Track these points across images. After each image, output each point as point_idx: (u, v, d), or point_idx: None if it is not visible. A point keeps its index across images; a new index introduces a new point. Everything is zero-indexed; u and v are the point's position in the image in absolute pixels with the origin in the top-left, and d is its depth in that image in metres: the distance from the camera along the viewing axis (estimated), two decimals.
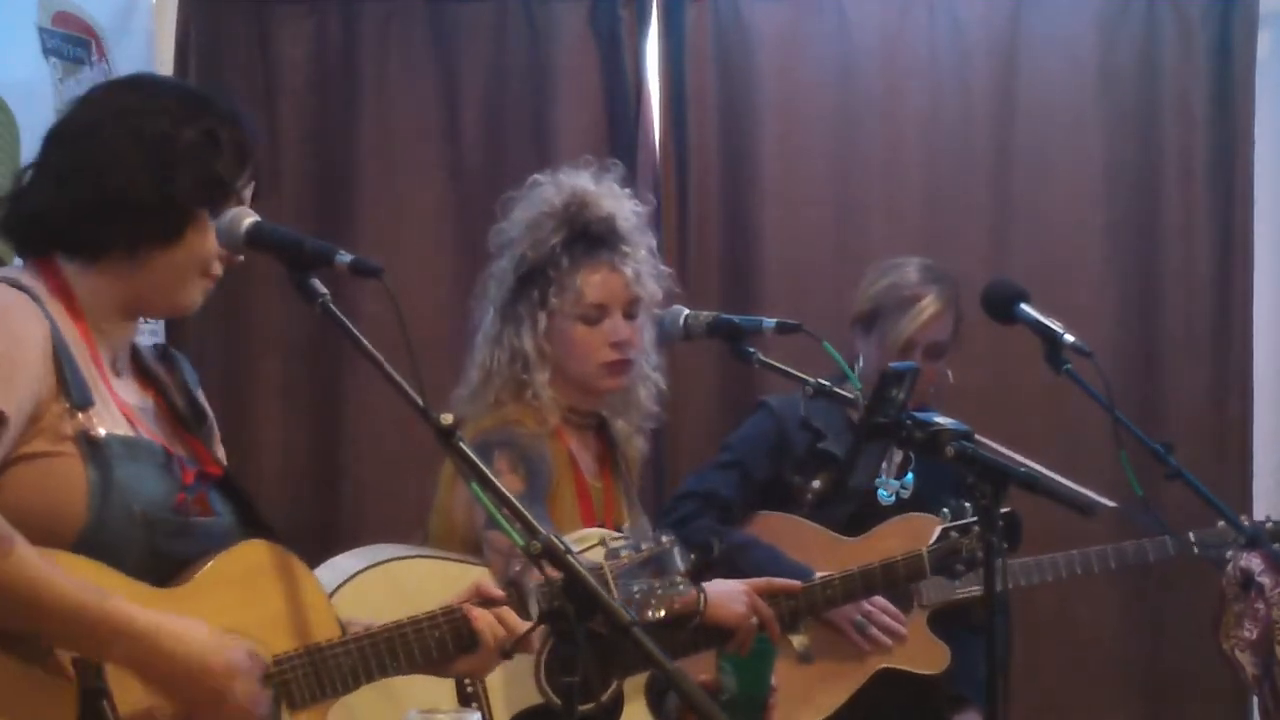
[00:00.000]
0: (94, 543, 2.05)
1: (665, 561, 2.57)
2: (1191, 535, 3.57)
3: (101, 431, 2.09)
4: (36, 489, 2.05)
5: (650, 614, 2.57)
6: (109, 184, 2.14)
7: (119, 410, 2.16)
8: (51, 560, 1.98)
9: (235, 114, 2.24)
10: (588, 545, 2.42)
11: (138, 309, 2.23)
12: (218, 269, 2.23)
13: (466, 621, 2.34)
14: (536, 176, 3.24)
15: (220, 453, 2.37)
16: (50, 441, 2.06)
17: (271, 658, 2.15)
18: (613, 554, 2.55)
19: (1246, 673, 3.53)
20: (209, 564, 2.15)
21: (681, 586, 2.56)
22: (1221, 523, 3.44)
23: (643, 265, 3.20)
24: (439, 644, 2.33)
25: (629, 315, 3.17)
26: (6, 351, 2.03)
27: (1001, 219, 4.60)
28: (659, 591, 2.56)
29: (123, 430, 2.14)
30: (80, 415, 2.08)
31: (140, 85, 2.28)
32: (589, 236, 3.15)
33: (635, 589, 2.54)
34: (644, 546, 2.57)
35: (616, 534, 2.63)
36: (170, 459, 2.17)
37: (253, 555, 2.21)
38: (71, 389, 2.08)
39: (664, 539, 2.59)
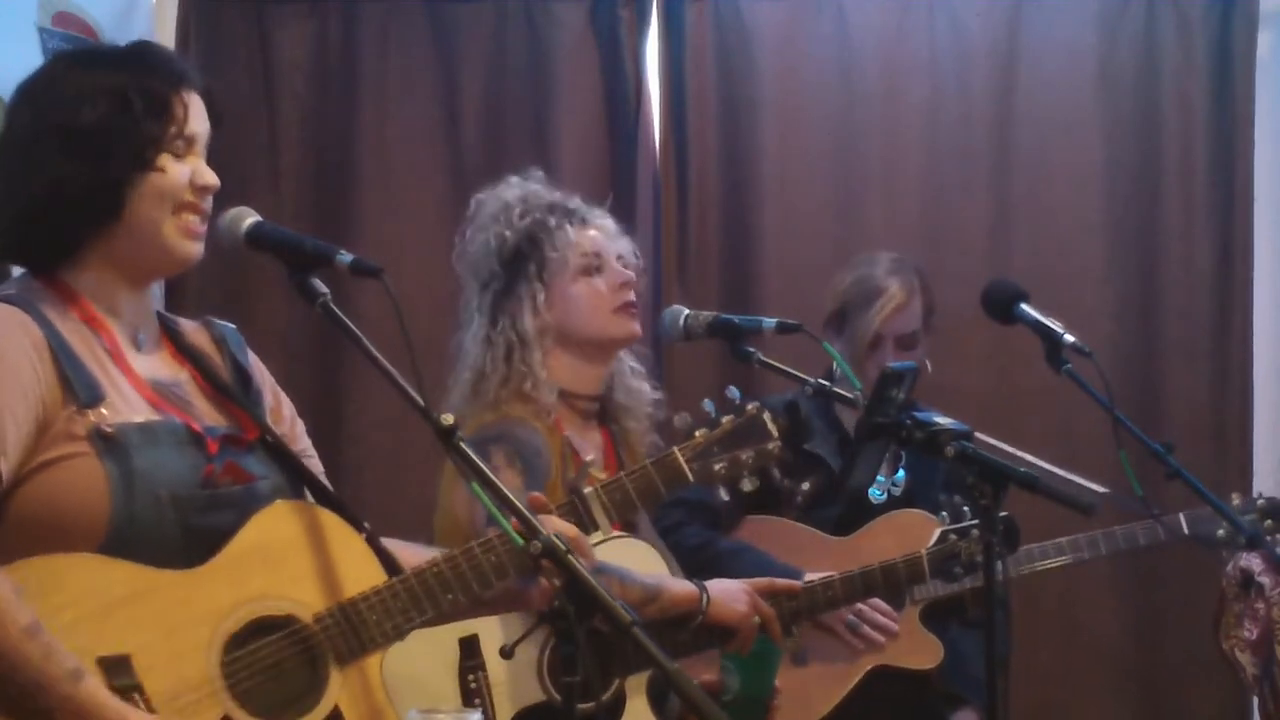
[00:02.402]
0: (125, 534, 2.06)
1: (754, 429, 2.55)
2: (1182, 517, 3.55)
3: (115, 424, 2.09)
4: (60, 493, 2.06)
5: (745, 485, 2.55)
6: (35, 190, 2.13)
7: (136, 394, 2.15)
8: (37, 627, 1.96)
9: (146, 63, 2.19)
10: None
11: (139, 276, 2.22)
12: (188, 196, 2.17)
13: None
14: (476, 196, 3.26)
15: (289, 409, 2.36)
16: (65, 445, 2.07)
17: (312, 617, 2.15)
18: (685, 435, 2.53)
19: (1246, 673, 3.53)
20: (235, 537, 2.14)
21: (774, 450, 2.54)
22: (1223, 527, 3.44)
23: (615, 225, 3.26)
24: (496, 568, 2.24)
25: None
26: None
27: (1001, 219, 4.60)
28: (749, 462, 2.55)
29: (141, 416, 2.13)
30: (90, 413, 2.08)
31: (48, 71, 2.23)
32: (558, 206, 3.20)
33: (716, 466, 2.53)
34: (724, 420, 2.54)
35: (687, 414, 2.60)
36: (194, 434, 2.16)
37: (281, 519, 2.19)
38: (78, 390, 2.08)
39: (749, 406, 2.56)
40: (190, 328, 2.34)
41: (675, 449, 2.54)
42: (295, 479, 2.28)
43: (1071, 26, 4.62)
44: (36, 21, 3.88)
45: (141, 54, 2.22)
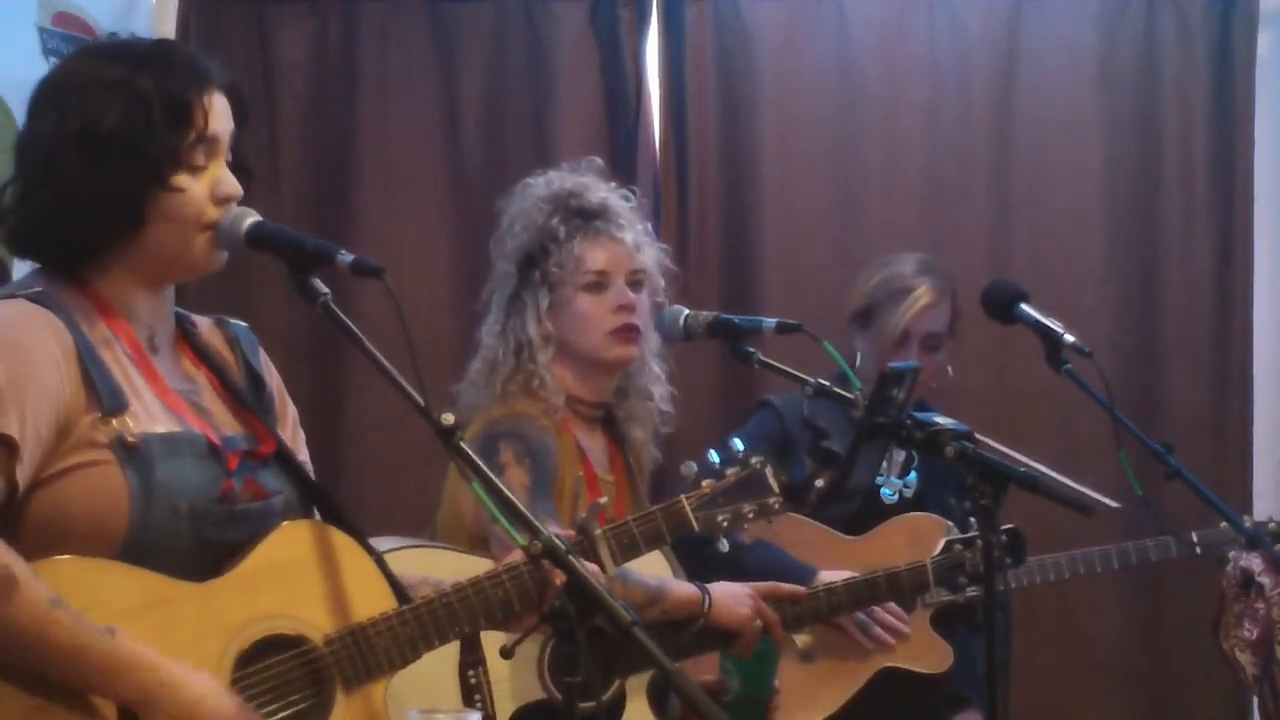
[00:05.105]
0: (142, 543, 2.06)
1: (756, 483, 2.58)
2: (1194, 535, 3.57)
3: (138, 434, 2.08)
4: (79, 500, 2.05)
5: (745, 538, 2.59)
6: (55, 194, 2.10)
7: (160, 401, 2.15)
8: (59, 598, 1.98)
9: (169, 63, 2.15)
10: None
11: (157, 282, 2.20)
12: (213, 215, 2.15)
13: (532, 574, 2.28)
14: (526, 180, 3.25)
15: (292, 417, 2.36)
16: (86, 452, 2.06)
17: (322, 639, 2.16)
18: (691, 484, 2.56)
19: (1246, 673, 3.52)
20: (250, 553, 2.15)
21: (776, 505, 2.58)
22: (1224, 523, 3.44)
23: (642, 238, 3.22)
24: (503, 603, 2.28)
25: (632, 285, 3.17)
26: (17, 373, 2.02)
27: (1001, 219, 4.60)
28: (750, 515, 2.58)
29: (162, 426, 2.12)
30: (114, 421, 2.07)
31: (70, 67, 2.20)
32: (584, 213, 3.17)
33: (720, 517, 2.57)
34: (729, 472, 2.57)
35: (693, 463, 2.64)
36: (214, 448, 2.16)
37: (295, 538, 2.19)
38: (103, 397, 2.07)
39: (753, 460, 2.60)
40: (205, 326, 2.33)
41: (683, 497, 2.59)
42: (306, 493, 2.28)
43: (1071, 26, 4.62)
44: (36, 21, 3.89)
45: (166, 55, 2.19)
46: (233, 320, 2.37)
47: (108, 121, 2.10)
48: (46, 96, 2.16)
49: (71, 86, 2.14)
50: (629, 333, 3.15)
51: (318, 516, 2.29)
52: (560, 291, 3.14)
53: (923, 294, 3.71)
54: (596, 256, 3.15)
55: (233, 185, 2.17)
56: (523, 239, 3.17)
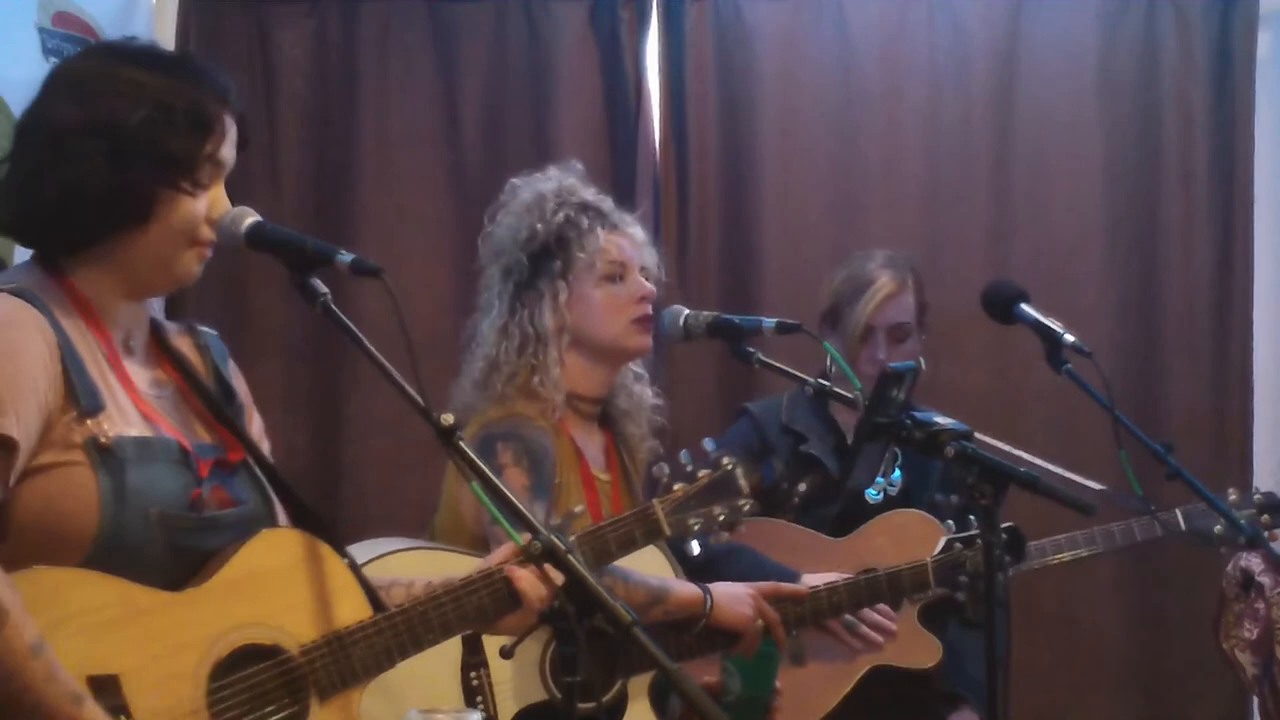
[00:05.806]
0: (111, 547, 2.04)
1: (727, 485, 2.58)
2: (1178, 512, 3.55)
3: (112, 436, 2.07)
4: (50, 500, 2.04)
5: (714, 540, 2.60)
6: (66, 179, 2.10)
7: (132, 405, 2.14)
8: (41, 645, 1.93)
9: (196, 75, 2.17)
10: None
11: (138, 290, 2.20)
12: (206, 234, 2.17)
13: (507, 583, 2.31)
14: (513, 180, 3.26)
15: (258, 427, 2.35)
16: (60, 452, 2.05)
17: (299, 648, 2.15)
18: (664, 489, 2.56)
19: (1246, 673, 3.53)
20: (228, 561, 2.14)
21: (746, 507, 2.59)
22: (1204, 505, 3.42)
23: (644, 234, 3.26)
24: (478, 610, 2.29)
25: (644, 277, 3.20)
26: (12, 373, 2.01)
27: (1001, 219, 4.60)
28: (721, 518, 2.58)
29: (136, 430, 2.12)
30: (89, 422, 2.06)
31: (93, 62, 2.20)
32: (593, 207, 3.19)
33: (692, 521, 2.57)
34: (700, 475, 2.57)
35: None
36: (185, 454, 2.15)
37: (273, 546, 2.19)
38: (80, 396, 2.07)
39: (724, 461, 2.60)
40: (174, 331, 2.33)
41: (655, 502, 2.61)
42: (275, 500, 2.27)
43: (1071, 26, 4.62)
44: (36, 21, 3.88)
45: (190, 65, 2.20)
46: (203, 328, 2.37)
47: (134, 118, 2.10)
48: (63, 88, 2.16)
49: (95, 81, 2.14)
50: (648, 323, 3.18)
51: (284, 522, 2.28)
52: (580, 282, 3.15)
53: (883, 284, 3.71)
54: (617, 247, 3.17)
55: (226, 210, 2.19)
56: (535, 230, 3.16)
